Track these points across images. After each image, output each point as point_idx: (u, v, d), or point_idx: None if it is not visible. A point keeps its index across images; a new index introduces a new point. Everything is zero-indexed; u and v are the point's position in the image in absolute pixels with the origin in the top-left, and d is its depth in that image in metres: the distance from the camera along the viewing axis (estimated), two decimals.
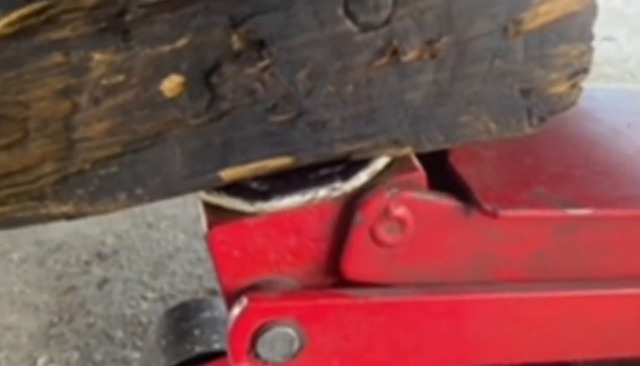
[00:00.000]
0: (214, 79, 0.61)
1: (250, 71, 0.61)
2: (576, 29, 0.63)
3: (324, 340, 0.71)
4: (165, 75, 0.60)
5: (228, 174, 0.65)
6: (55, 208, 0.63)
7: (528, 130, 0.67)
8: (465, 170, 0.74)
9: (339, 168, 0.68)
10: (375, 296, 0.71)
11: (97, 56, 0.59)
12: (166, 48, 0.60)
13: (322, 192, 0.68)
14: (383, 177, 0.69)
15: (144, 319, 1.48)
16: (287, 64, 0.61)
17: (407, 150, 0.67)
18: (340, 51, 0.61)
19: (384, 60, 0.62)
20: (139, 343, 1.42)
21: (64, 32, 0.58)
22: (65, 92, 0.60)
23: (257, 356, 0.70)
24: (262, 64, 0.60)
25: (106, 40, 0.58)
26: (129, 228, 1.74)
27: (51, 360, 1.38)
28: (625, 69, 2.35)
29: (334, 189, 0.68)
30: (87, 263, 1.63)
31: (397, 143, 0.66)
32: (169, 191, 0.65)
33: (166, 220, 1.76)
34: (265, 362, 0.70)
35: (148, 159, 0.63)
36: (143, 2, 0.58)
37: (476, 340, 0.75)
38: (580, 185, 0.77)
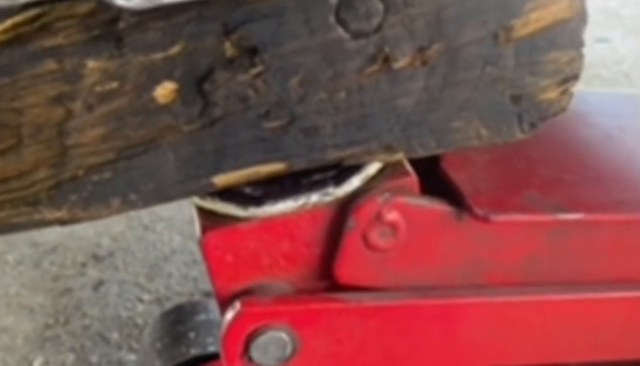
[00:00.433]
0: (207, 85, 0.61)
1: (242, 77, 0.61)
2: (566, 35, 0.64)
3: (317, 343, 0.71)
4: (158, 82, 0.61)
5: (221, 179, 0.65)
6: (49, 214, 0.64)
7: (519, 136, 0.67)
8: (457, 175, 0.74)
9: (331, 173, 0.69)
10: (368, 300, 0.72)
11: (90, 63, 0.59)
12: (159, 55, 0.60)
13: (315, 197, 0.68)
14: (375, 182, 0.69)
15: (139, 321, 1.49)
16: (279, 71, 0.61)
17: (399, 156, 0.67)
18: (331, 58, 0.61)
19: (375, 67, 0.62)
20: (135, 345, 1.42)
21: (58, 40, 0.58)
22: (59, 99, 0.60)
23: (250, 360, 0.70)
24: (254, 71, 0.61)
25: (99, 48, 0.59)
26: (125, 230, 1.74)
27: (47, 362, 1.38)
28: (619, 71, 2.36)
29: (327, 194, 0.68)
30: (83, 264, 1.63)
31: (389, 149, 0.66)
32: (163, 196, 0.65)
33: (162, 222, 1.77)
34: None
35: (141, 165, 0.63)
36: (136, 10, 0.58)
37: (469, 343, 0.76)
38: (572, 190, 0.77)
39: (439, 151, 0.68)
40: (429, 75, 0.63)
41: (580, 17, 0.64)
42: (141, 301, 1.54)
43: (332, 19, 0.60)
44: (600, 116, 0.93)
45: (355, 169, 0.69)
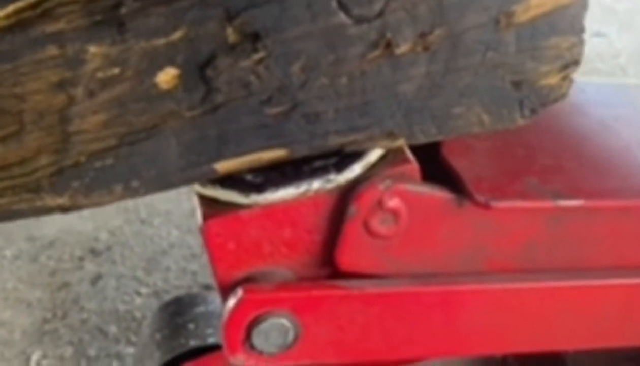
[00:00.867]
0: (209, 71, 0.61)
1: (244, 63, 0.61)
2: (567, 21, 0.64)
3: (319, 330, 0.71)
4: (160, 68, 0.61)
5: (223, 166, 0.65)
6: (51, 200, 0.64)
7: (520, 121, 0.68)
8: (458, 162, 0.74)
9: (333, 160, 0.69)
10: (369, 287, 0.72)
11: (92, 49, 0.59)
12: (161, 41, 0.60)
13: (316, 184, 0.68)
14: (377, 169, 0.70)
15: (137, 314, 1.49)
16: (282, 57, 0.61)
17: (401, 142, 0.68)
18: (333, 44, 0.62)
19: (377, 52, 0.62)
20: (133, 338, 1.42)
21: (60, 25, 0.58)
22: (61, 85, 0.60)
23: (252, 347, 0.70)
24: (256, 56, 0.61)
25: (102, 33, 0.59)
26: (122, 224, 1.74)
27: (45, 356, 1.38)
28: (616, 64, 2.36)
29: (328, 181, 0.68)
30: (81, 259, 1.63)
31: (390, 135, 0.66)
32: (165, 183, 0.65)
33: (160, 216, 1.76)
34: (261, 353, 0.71)
35: (143, 151, 0.63)
36: None
37: (469, 330, 0.76)
38: (571, 177, 0.77)
39: (440, 137, 0.68)
40: (430, 61, 0.63)
41: (580, 3, 0.64)
42: (139, 294, 1.54)
43: (334, 4, 0.60)
44: (597, 106, 0.94)
45: (357, 156, 0.69)
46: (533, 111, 0.67)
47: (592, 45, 2.41)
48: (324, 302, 0.71)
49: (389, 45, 0.62)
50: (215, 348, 1.07)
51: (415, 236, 0.72)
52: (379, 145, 0.68)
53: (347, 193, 0.69)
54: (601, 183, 0.78)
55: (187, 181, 0.66)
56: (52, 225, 1.70)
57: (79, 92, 0.60)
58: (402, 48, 0.62)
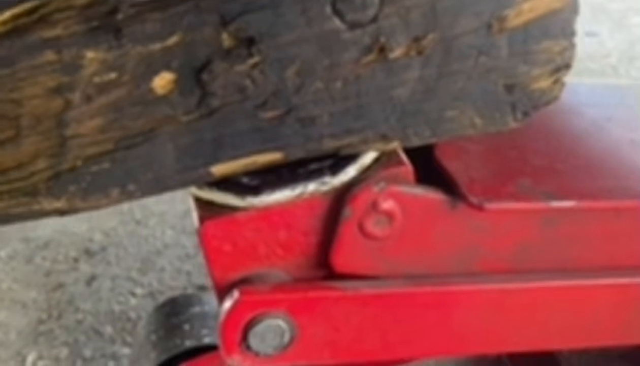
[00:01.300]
0: (205, 76, 0.62)
1: (240, 68, 0.62)
2: (558, 25, 0.65)
3: (315, 331, 0.72)
4: (156, 72, 0.61)
5: (219, 169, 0.66)
6: (48, 204, 0.64)
7: (512, 124, 0.68)
8: (451, 164, 0.75)
9: (328, 163, 0.69)
10: (365, 288, 0.73)
11: (89, 54, 0.60)
12: (157, 46, 0.60)
13: (312, 186, 0.69)
14: (371, 171, 0.70)
15: (132, 315, 1.49)
16: (276, 61, 0.62)
17: (395, 145, 0.68)
18: (328, 48, 0.62)
19: (371, 57, 0.63)
20: (129, 339, 1.43)
21: (56, 31, 0.59)
22: (58, 90, 0.60)
23: (248, 348, 0.71)
24: (251, 61, 0.62)
25: (98, 39, 0.59)
26: (117, 225, 1.74)
27: (40, 357, 1.39)
28: (607, 64, 2.38)
29: (323, 183, 0.69)
30: (75, 259, 1.63)
31: (385, 138, 0.67)
32: (161, 186, 0.66)
33: (154, 217, 1.77)
34: (257, 354, 0.71)
35: (140, 155, 0.64)
36: (134, 1, 0.59)
37: (464, 330, 0.77)
38: (563, 178, 0.78)
39: (433, 140, 0.69)
40: (424, 65, 0.64)
41: (571, 7, 0.65)
42: (134, 295, 1.54)
43: (328, 9, 0.61)
44: (589, 107, 0.95)
45: (351, 158, 0.69)
46: (525, 114, 0.68)
47: (583, 45, 2.41)
48: (320, 303, 0.72)
49: (382, 50, 0.63)
50: (210, 348, 1.08)
51: (410, 237, 0.72)
52: (374, 148, 0.68)
53: (342, 195, 0.70)
54: (594, 183, 0.79)
55: (184, 184, 0.67)
56: (46, 226, 1.70)
57: (76, 97, 0.61)
58: (396, 53, 0.63)
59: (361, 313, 0.73)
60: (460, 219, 0.73)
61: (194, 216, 0.71)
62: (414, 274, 0.74)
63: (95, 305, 1.51)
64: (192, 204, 0.71)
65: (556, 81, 0.67)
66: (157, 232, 1.72)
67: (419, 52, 0.63)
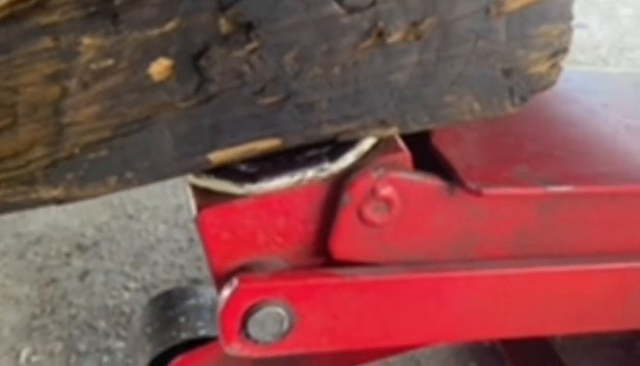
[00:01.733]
0: (203, 62, 0.61)
1: (238, 53, 0.61)
2: (556, 9, 0.65)
3: (314, 318, 0.72)
4: (153, 58, 0.61)
5: (217, 156, 0.66)
6: (46, 193, 0.64)
7: (510, 109, 0.68)
8: (449, 150, 0.75)
9: (326, 149, 0.69)
10: (363, 275, 0.73)
11: (86, 41, 0.59)
12: (155, 32, 0.60)
13: (310, 173, 0.69)
14: (369, 158, 0.70)
15: (126, 309, 1.48)
16: (275, 47, 0.62)
17: (393, 130, 0.68)
18: (326, 33, 0.62)
19: (369, 42, 0.63)
20: (123, 333, 1.42)
21: (54, 17, 0.58)
22: (55, 77, 0.60)
23: (247, 336, 0.71)
24: (250, 46, 0.61)
25: (95, 25, 0.59)
26: (109, 220, 1.73)
27: (35, 352, 1.38)
28: (597, 55, 2.39)
29: (322, 170, 0.69)
30: (68, 255, 1.62)
31: (383, 124, 0.67)
32: (159, 174, 0.66)
33: (146, 211, 1.76)
34: (256, 342, 0.71)
35: (137, 142, 0.64)
36: None
37: (462, 316, 0.77)
38: (560, 163, 0.78)
39: (432, 126, 0.69)
40: (422, 49, 0.64)
41: None
42: (127, 289, 1.54)
43: None
44: (585, 94, 0.95)
45: (350, 145, 0.69)
46: (523, 99, 0.68)
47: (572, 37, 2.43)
48: (319, 290, 0.72)
49: (381, 34, 0.63)
50: (206, 340, 1.08)
51: (408, 223, 0.72)
52: (372, 134, 0.68)
53: (341, 181, 0.70)
54: (590, 168, 0.79)
55: (181, 172, 0.66)
56: (38, 221, 1.69)
57: (72, 84, 0.60)
58: (394, 37, 0.63)
59: (360, 300, 0.73)
60: (458, 205, 0.73)
61: (192, 204, 0.70)
62: (412, 261, 0.74)
63: (89, 299, 1.50)
64: (189, 192, 0.71)
65: (554, 65, 0.67)
66: (149, 226, 1.71)
67: (418, 37, 0.63)
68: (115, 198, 1.77)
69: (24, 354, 1.37)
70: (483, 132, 0.80)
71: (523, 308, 0.78)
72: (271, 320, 0.71)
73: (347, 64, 0.63)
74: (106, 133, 0.63)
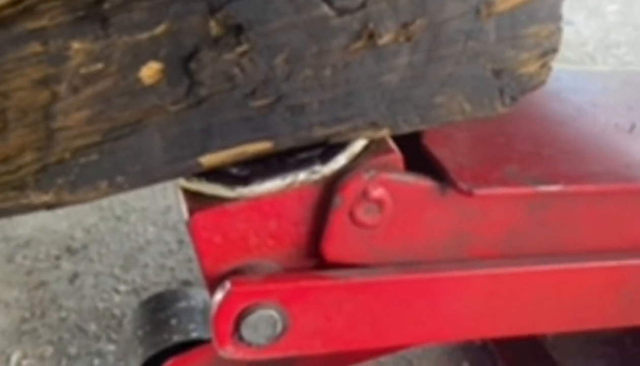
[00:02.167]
0: (193, 65, 0.61)
1: (228, 56, 0.61)
2: (545, 9, 0.65)
3: (307, 321, 0.72)
4: (143, 62, 0.61)
5: (208, 159, 0.65)
6: (36, 198, 0.63)
7: (500, 109, 0.69)
8: (440, 151, 0.75)
9: (317, 152, 0.69)
10: (356, 277, 0.73)
11: (75, 45, 0.59)
12: (144, 35, 0.60)
13: (302, 175, 0.69)
14: (361, 160, 0.70)
15: (117, 312, 1.48)
16: (265, 49, 0.62)
17: (385, 132, 0.68)
18: (317, 35, 0.62)
19: (360, 43, 0.63)
20: (113, 336, 1.42)
21: (42, 22, 0.58)
22: (44, 82, 0.60)
23: (241, 339, 0.71)
24: (240, 49, 0.61)
25: (84, 29, 0.59)
26: (98, 222, 1.73)
27: (25, 356, 1.37)
28: (584, 52, 2.40)
29: (314, 172, 0.69)
30: (57, 258, 1.62)
31: (374, 125, 0.67)
32: (150, 177, 0.65)
33: (135, 213, 1.75)
34: (249, 345, 0.71)
35: (128, 146, 0.63)
36: None
37: (454, 316, 0.77)
38: (550, 163, 0.79)
39: (423, 127, 0.69)
40: (413, 50, 0.64)
41: None
42: (117, 292, 1.53)
43: None
44: (573, 93, 0.95)
45: (341, 147, 0.69)
46: (513, 99, 0.68)
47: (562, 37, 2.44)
48: (311, 292, 0.72)
49: (371, 36, 0.63)
50: (198, 343, 1.08)
51: (400, 224, 0.72)
52: (363, 135, 0.68)
53: (332, 183, 0.70)
54: (580, 167, 0.79)
55: (172, 176, 0.66)
56: (26, 225, 1.68)
57: (62, 88, 0.60)
58: (385, 39, 0.63)
59: (352, 301, 0.73)
60: (449, 206, 0.73)
61: (183, 208, 0.70)
62: (404, 262, 0.75)
63: (79, 302, 1.50)
64: (180, 196, 0.71)
65: (544, 65, 0.67)
66: (138, 228, 1.70)
67: (408, 38, 0.63)
68: (104, 200, 1.76)
69: (14, 358, 1.37)
70: (474, 133, 0.80)
71: (515, 307, 0.78)
72: (264, 322, 0.71)
73: (337, 65, 0.63)
74: (96, 137, 0.63)
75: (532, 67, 0.67)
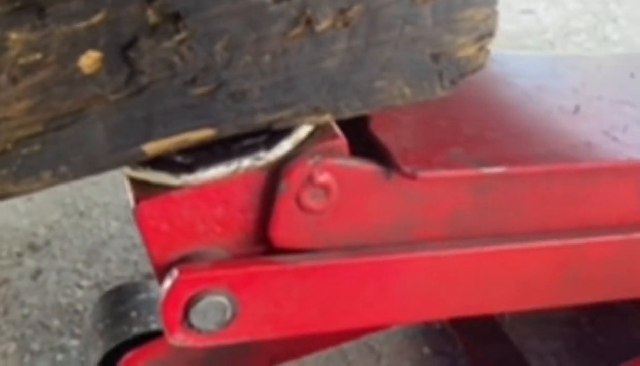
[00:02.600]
0: (132, 53, 0.61)
1: (167, 44, 0.62)
2: None
3: (256, 306, 0.73)
4: (82, 51, 0.61)
5: (151, 147, 0.66)
6: None
7: (440, 93, 0.70)
8: (385, 135, 0.76)
9: (262, 138, 0.70)
10: (304, 262, 0.73)
11: (13, 35, 0.59)
12: (82, 25, 0.60)
13: (246, 162, 0.69)
14: (306, 145, 0.71)
15: (80, 307, 1.47)
16: (204, 37, 0.62)
17: (327, 117, 0.69)
18: (255, 22, 0.62)
19: (298, 30, 0.64)
20: (77, 331, 1.41)
21: None
22: None
23: (191, 326, 0.71)
24: (178, 37, 0.62)
25: (21, 19, 0.58)
26: (60, 218, 1.72)
27: None
28: (544, 40, 2.43)
29: (258, 158, 0.69)
30: (19, 254, 1.61)
31: (316, 110, 0.68)
32: (93, 167, 0.66)
33: (98, 208, 1.75)
34: (199, 332, 0.72)
35: (70, 136, 0.63)
36: None
37: (403, 298, 0.78)
38: (494, 145, 0.80)
39: (365, 111, 0.70)
40: (351, 36, 0.65)
41: None
42: (80, 287, 1.53)
43: None
44: (520, 77, 0.97)
45: (286, 133, 0.70)
46: (452, 82, 0.69)
47: (520, 23, 2.47)
48: (260, 278, 0.72)
49: (309, 22, 0.63)
50: (158, 334, 1.08)
51: (346, 209, 0.73)
52: (306, 121, 0.69)
53: (278, 169, 0.70)
54: (523, 149, 0.81)
55: (116, 164, 0.66)
56: None
57: (1, 79, 0.60)
58: (323, 25, 0.64)
59: (301, 286, 0.74)
60: (394, 189, 0.74)
61: (129, 196, 0.70)
62: (352, 246, 0.75)
63: (42, 298, 1.49)
64: (126, 185, 0.71)
65: (481, 49, 0.68)
66: (101, 223, 1.70)
67: (346, 24, 0.64)
68: (67, 195, 1.76)
69: None
70: (420, 117, 0.81)
71: (463, 287, 0.80)
72: (213, 309, 0.71)
73: (277, 52, 0.64)
74: (38, 128, 0.63)
75: (470, 51, 0.68)
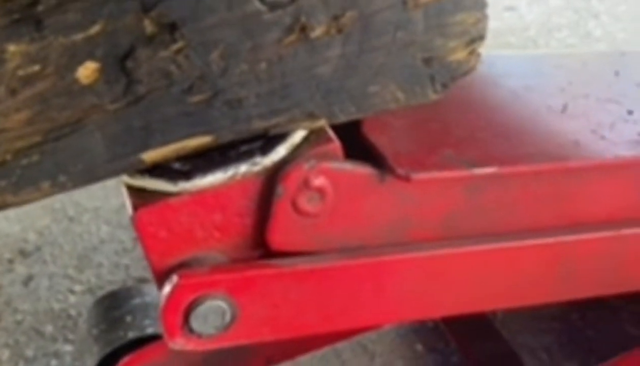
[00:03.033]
0: (129, 63, 0.62)
1: (164, 53, 0.62)
2: None
3: (255, 309, 0.74)
4: (80, 62, 0.62)
5: (150, 156, 0.67)
6: None
7: (433, 96, 0.71)
8: (378, 139, 0.78)
9: (258, 144, 0.71)
10: (301, 264, 0.75)
11: (11, 48, 0.59)
12: (79, 36, 0.61)
13: (243, 167, 0.70)
14: (301, 150, 0.72)
15: (73, 312, 1.48)
16: (200, 46, 0.63)
17: (322, 122, 0.70)
18: (250, 31, 0.63)
19: (293, 37, 0.65)
20: (70, 336, 1.42)
21: None
22: None
23: (191, 330, 0.72)
24: (175, 46, 0.62)
25: (20, 31, 0.59)
26: (50, 224, 1.72)
27: None
28: (527, 37, 2.45)
29: (255, 164, 0.70)
30: (10, 261, 1.61)
31: (311, 116, 0.69)
32: (92, 176, 0.66)
33: (88, 213, 1.75)
34: (199, 336, 0.72)
35: (69, 146, 0.64)
36: None
37: (399, 298, 0.79)
38: (485, 146, 0.82)
39: (359, 116, 0.71)
40: (344, 42, 0.66)
41: None
42: (73, 292, 1.53)
43: None
44: (508, 77, 0.98)
45: (281, 138, 0.71)
46: (444, 86, 0.70)
47: (503, 20, 2.49)
48: (258, 282, 0.73)
49: (303, 29, 0.64)
50: (153, 339, 1.09)
51: (342, 212, 0.75)
52: (301, 126, 0.70)
53: (274, 174, 0.71)
54: (514, 149, 0.82)
55: (115, 173, 0.67)
56: None
57: (0, 91, 0.61)
58: (317, 32, 0.65)
59: (299, 288, 0.75)
60: (389, 192, 0.75)
61: (128, 204, 0.71)
62: (348, 248, 0.77)
63: (34, 304, 1.49)
64: (125, 193, 0.72)
65: (472, 52, 0.70)
66: (92, 228, 1.70)
67: (339, 30, 0.65)
68: (56, 201, 1.76)
69: None
70: (412, 120, 0.82)
71: (457, 286, 0.81)
72: (213, 313, 0.72)
73: (272, 59, 0.65)
74: (37, 138, 0.63)
75: (461, 55, 0.70)
